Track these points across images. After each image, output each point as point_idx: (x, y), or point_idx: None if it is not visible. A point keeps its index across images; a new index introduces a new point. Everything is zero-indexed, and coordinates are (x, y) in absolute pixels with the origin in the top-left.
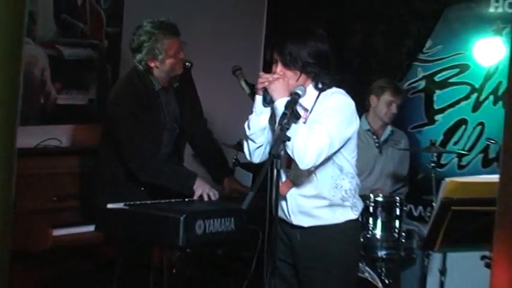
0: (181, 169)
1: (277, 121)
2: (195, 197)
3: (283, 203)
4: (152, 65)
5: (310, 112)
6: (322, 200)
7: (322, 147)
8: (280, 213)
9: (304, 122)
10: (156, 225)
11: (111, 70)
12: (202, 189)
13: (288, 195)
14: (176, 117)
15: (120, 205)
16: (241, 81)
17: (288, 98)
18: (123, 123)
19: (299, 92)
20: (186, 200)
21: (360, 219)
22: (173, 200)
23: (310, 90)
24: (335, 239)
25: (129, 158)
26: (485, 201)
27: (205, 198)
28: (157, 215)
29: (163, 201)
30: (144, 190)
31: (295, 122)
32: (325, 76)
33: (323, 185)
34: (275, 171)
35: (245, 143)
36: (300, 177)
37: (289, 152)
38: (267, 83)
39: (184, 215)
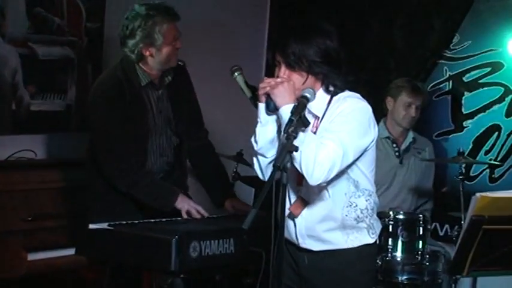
0: (164, 183)
1: (282, 130)
2: (183, 214)
3: (291, 224)
4: (147, 53)
5: (321, 119)
6: (333, 221)
7: (334, 159)
8: (286, 234)
9: (315, 132)
10: (145, 248)
11: (91, 71)
12: (187, 205)
13: (289, 216)
14: (169, 119)
15: (103, 225)
16: (241, 83)
17: (294, 104)
18: (98, 123)
19: (307, 95)
20: (179, 219)
21: (378, 241)
22: (164, 220)
23: (321, 95)
24: (348, 265)
25: (103, 163)
26: None
27: (194, 214)
28: (146, 236)
29: (152, 220)
30: (138, 207)
31: (303, 130)
32: (336, 77)
33: (336, 203)
34: (281, 185)
35: (255, 160)
36: (311, 195)
37: (297, 166)
38: (269, 88)
39: (176, 236)
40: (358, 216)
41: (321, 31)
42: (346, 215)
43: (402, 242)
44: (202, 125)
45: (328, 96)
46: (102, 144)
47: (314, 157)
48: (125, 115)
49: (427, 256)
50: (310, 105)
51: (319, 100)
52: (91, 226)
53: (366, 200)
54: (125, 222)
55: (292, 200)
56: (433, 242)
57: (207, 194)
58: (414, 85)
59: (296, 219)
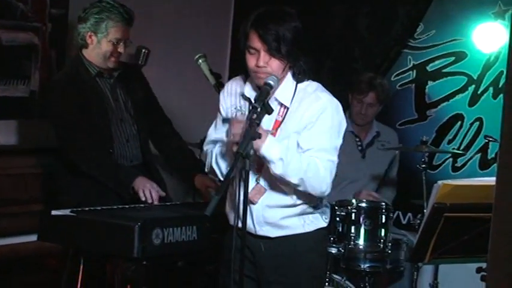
0: (124, 166)
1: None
2: (140, 195)
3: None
4: (89, 40)
5: (288, 109)
6: (291, 208)
7: (332, 170)
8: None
9: (283, 119)
10: (108, 235)
11: (55, 57)
12: (143, 186)
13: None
14: (126, 107)
15: (66, 211)
16: (205, 71)
17: (266, 144)
18: (54, 112)
19: (271, 82)
20: (142, 206)
21: (340, 228)
22: (127, 206)
23: (287, 82)
24: (305, 249)
25: (65, 148)
26: (482, 207)
27: (147, 196)
28: (109, 222)
29: (115, 207)
30: (102, 194)
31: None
32: (305, 64)
33: (298, 192)
34: (244, 172)
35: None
36: (271, 182)
37: (305, 189)
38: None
39: (139, 223)
40: (317, 204)
41: (290, 14)
42: (307, 203)
43: (365, 230)
44: (163, 112)
45: (294, 83)
46: (61, 131)
47: (319, 178)
48: (80, 102)
49: (390, 244)
50: (277, 94)
51: (285, 88)
52: (54, 212)
53: None
54: (87, 208)
55: (251, 187)
56: (396, 230)
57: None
58: (368, 82)
59: (253, 206)
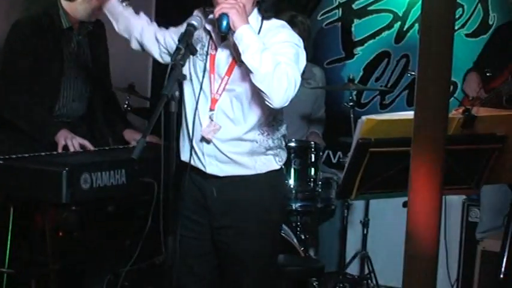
0: (50, 117)
1: (239, 52)
2: (59, 148)
3: (196, 148)
4: None
5: None
6: (242, 146)
7: (296, 80)
8: (191, 161)
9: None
10: (36, 181)
11: None
12: (65, 137)
13: (201, 140)
14: (86, 66)
15: None
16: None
17: (247, 25)
18: (5, 48)
19: (194, 23)
20: (70, 152)
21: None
22: (55, 153)
23: (253, 19)
24: (258, 192)
25: None
26: (406, 141)
27: (71, 147)
28: (36, 169)
29: (43, 153)
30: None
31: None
32: (269, 2)
33: (249, 129)
34: (170, 114)
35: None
36: (224, 119)
37: (258, 86)
38: (226, 9)
39: (66, 168)
40: (269, 145)
41: None
42: (257, 142)
43: (295, 169)
44: (109, 77)
45: (260, 20)
46: (2, 71)
47: (277, 77)
48: (37, 54)
49: (320, 183)
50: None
51: (251, 23)
52: None
53: (278, 131)
54: (15, 156)
55: (204, 125)
56: (326, 169)
57: None
58: (289, 20)
59: (202, 143)
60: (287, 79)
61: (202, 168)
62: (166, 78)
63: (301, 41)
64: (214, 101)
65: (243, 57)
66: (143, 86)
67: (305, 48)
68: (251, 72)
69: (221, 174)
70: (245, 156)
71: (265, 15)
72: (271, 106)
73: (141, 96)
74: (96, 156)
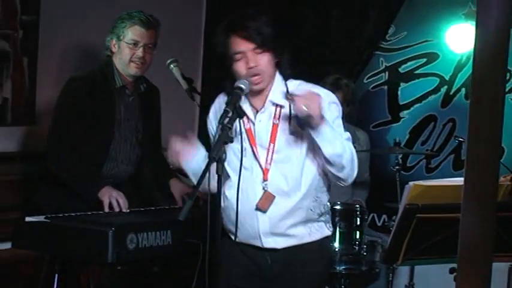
0: (95, 173)
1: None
2: (105, 207)
3: (253, 222)
4: (113, 48)
5: (283, 107)
6: (298, 216)
7: (354, 149)
8: (243, 237)
9: (279, 119)
10: (82, 240)
11: (27, 64)
12: (109, 195)
13: (258, 214)
14: (136, 128)
15: (40, 218)
16: (178, 75)
17: (326, 120)
18: (57, 105)
19: (242, 86)
20: (117, 211)
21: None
22: (101, 212)
23: (278, 82)
24: (312, 258)
25: (49, 143)
26: (454, 208)
27: (114, 205)
28: (83, 228)
29: (90, 213)
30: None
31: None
32: (288, 62)
33: (305, 198)
34: (217, 176)
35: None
36: (279, 190)
37: (335, 172)
38: (311, 110)
39: (113, 228)
40: (321, 211)
41: (262, 12)
42: (311, 210)
43: (340, 232)
44: (160, 140)
45: (284, 82)
46: (52, 126)
47: (352, 158)
48: (90, 112)
49: (365, 246)
50: (271, 96)
51: (277, 88)
52: (28, 219)
53: (326, 195)
54: (62, 215)
55: (258, 195)
56: (371, 232)
57: None
58: (333, 83)
59: (259, 218)
60: (351, 154)
61: (259, 245)
62: (213, 141)
63: (331, 94)
64: (266, 171)
65: (325, 154)
66: None
67: (349, 113)
68: (331, 164)
69: (278, 247)
70: (301, 226)
71: (286, 75)
72: (343, 185)
73: None
74: (142, 216)
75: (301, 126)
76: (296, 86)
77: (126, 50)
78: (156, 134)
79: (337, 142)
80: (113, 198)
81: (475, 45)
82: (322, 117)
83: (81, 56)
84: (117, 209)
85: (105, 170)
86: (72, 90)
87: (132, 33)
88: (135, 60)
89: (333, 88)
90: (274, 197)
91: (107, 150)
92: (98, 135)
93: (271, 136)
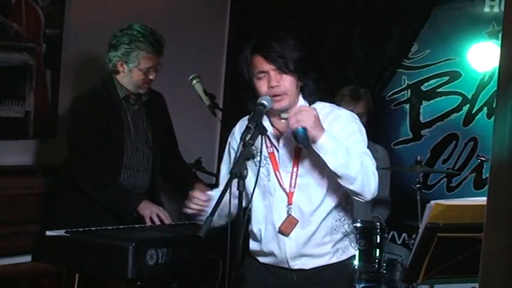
0: (129, 190)
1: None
2: (147, 221)
3: (280, 244)
4: (120, 69)
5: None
6: (324, 236)
7: (374, 167)
8: (269, 260)
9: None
10: (102, 255)
11: (50, 77)
12: (150, 211)
13: (285, 239)
14: (146, 135)
15: (61, 232)
16: (200, 91)
17: (325, 133)
18: (73, 128)
19: (264, 102)
20: (137, 226)
21: None
22: (122, 227)
23: (301, 103)
24: (338, 278)
25: (72, 165)
26: (474, 227)
27: (156, 220)
28: (103, 243)
29: (110, 227)
30: (103, 216)
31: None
32: (313, 84)
33: (329, 218)
34: (239, 193)
35: None
36: (303, 214)
37: (349, 187)
38: (303, 122)
39: (133, 243)
40: (346, 231)
41: (287, 35)
42: (335, 229)
43: (360, 250)
44: (176, 145)
45: (307, 105)
46: (73, 148)
47: (370, 174)
48: (101, 126)
49: (385, 264)
50: None
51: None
52: (48, 233)
53: (350, 215)
54: (82, 229)
55: (282, 219)
56: (392, 248)
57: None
58: (353, 93)
59: (286, 240)
60: (372, 171)
61: (286, 266)
62: (235, 157)
63: (353, 114)
64: (290, 195)
65: (330, 166)
66: (210, 161)
67: (369, 125)
68: (339, 177)
69: (306, 268)
70: (326, 246)
71: (310, 100)
72: (362, 200)
73: (208, 172)
74: (161, 232)
75: (302, 143)
76: (320, 108)
77: (139, 76)
78: (170, 138)
79: (340, 152)
80: (153, 214)
81: (500, 62)
82: (321, 129)
83: (103, 70)
84: (158, 223)
85: (122, 179)
86: (80, 105)
87: (146, 61)
88: (148, 82)
89: (353, 99)
90: (297, 221)
91: (121, 159)
92: (112, 145)
93: (294, 160)
